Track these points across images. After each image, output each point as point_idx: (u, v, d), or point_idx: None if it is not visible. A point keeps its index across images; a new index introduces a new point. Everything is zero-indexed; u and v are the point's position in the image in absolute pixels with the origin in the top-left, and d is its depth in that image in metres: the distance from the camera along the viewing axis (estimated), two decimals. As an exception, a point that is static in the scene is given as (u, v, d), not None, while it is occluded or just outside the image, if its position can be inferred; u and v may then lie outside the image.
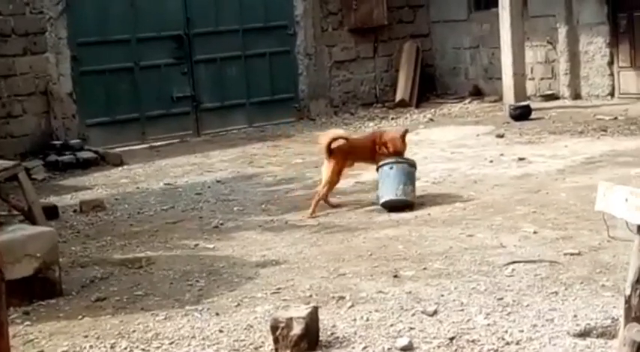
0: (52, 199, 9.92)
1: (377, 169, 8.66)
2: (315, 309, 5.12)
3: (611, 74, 14.79)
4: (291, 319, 4.93)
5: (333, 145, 8.58)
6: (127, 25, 13.96)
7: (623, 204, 3.65)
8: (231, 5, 14.92)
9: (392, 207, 8.35)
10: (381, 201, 8.45)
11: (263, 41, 15.24)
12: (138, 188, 10.51)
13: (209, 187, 10.25)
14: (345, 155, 8.65)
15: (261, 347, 5.12)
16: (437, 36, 17.20)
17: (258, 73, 15.24)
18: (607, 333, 4.91)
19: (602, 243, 6.59)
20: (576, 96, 15.10)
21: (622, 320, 3.76)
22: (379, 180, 8.59)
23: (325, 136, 8.82)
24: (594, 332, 4.95)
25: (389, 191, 8.40)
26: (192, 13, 14.57)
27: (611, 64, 14.78)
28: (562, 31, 15.08)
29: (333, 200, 8.77)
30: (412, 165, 8.63)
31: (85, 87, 13.59)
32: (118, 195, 10.17)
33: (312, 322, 4.99)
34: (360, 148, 8.87)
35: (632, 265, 3.73)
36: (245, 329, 5.41)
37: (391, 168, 8.47)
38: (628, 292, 3.73)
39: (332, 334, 5.18)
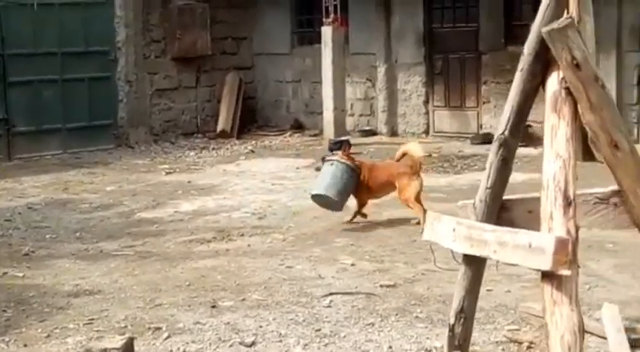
0: None
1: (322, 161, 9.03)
2: (131, 340, 4.97)
3: (427, 113, 15.32)
4: (105, 350, 4.77)
5: None
6: None
7: (450, 234, 3.70)
8: (50, 27, 14.48)
9: (320, 203, 8.74)
10: (310, 193, 8.93)
11: (83, 65, 14.87)
12: (-58, 213, 9.96)
13: (20, 213, 9.84)
14: None
15: (71, 379, 4.91)
16: (260, 69, 17.34)
17: (77, 97, 14.84)
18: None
19: (416, 276, 6.75)
20: (393, 133, 15.56)
21: (445, 348, 3.81)
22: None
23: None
24: (409, 362, 5.04)
25: (317, 185, 8.82)
26: (7, 33, 14.05)
27: (426, 103, 15.32)
28: (381, 70, 15.52)
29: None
30: (353, 169, 8.70)
31: None
32: None
33: (126, 353, 4.84)
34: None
35: (456, 294, 3.79)
36: (55, 361, 5.19)
37: (331, 164, 8.74)
38: (452, 321, 3.78)
39: (147, 366, 5.05)
